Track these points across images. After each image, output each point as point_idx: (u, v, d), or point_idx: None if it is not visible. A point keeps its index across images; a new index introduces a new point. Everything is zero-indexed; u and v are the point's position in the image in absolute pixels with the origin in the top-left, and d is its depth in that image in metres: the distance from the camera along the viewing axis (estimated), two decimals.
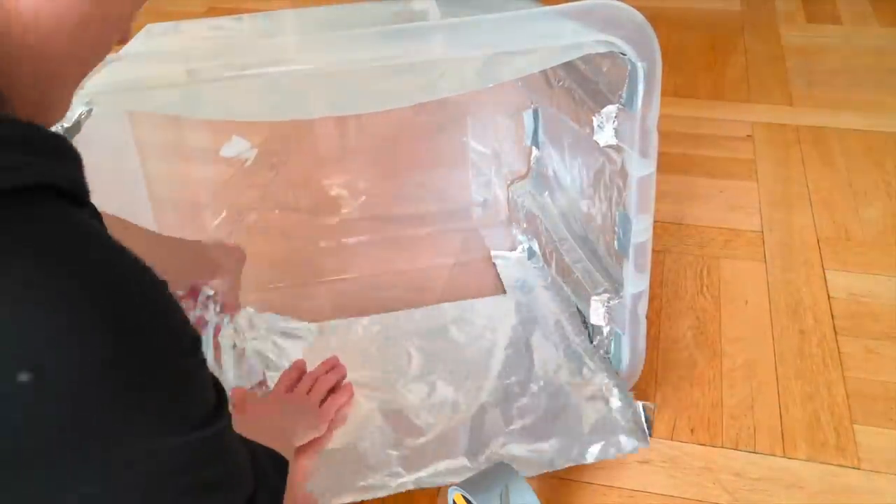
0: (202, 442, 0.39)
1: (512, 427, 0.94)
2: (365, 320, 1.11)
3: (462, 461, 0.89)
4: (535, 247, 1.19)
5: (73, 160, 0.37)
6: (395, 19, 0.90)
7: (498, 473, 0.80)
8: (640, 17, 0.71)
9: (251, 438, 0.50)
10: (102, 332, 0.33)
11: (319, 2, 2.00)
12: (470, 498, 0.77)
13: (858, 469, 0.90)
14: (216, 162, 1.16)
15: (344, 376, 1.00)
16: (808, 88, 1.69)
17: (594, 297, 0.95)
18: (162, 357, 0.36)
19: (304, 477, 0.88)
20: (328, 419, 0.92)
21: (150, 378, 0.35)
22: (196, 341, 0.39)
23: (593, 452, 0.89)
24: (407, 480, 0.88)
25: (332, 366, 1.00)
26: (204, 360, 0.40)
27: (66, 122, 0.69)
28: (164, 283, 0.37)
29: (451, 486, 0.81)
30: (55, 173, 0.35)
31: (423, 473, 0.88)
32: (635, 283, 0.88)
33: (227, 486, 0.43)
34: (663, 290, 1.16)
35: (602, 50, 0.74)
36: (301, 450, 0.88)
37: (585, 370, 1.00)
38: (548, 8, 0.71)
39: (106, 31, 0.42)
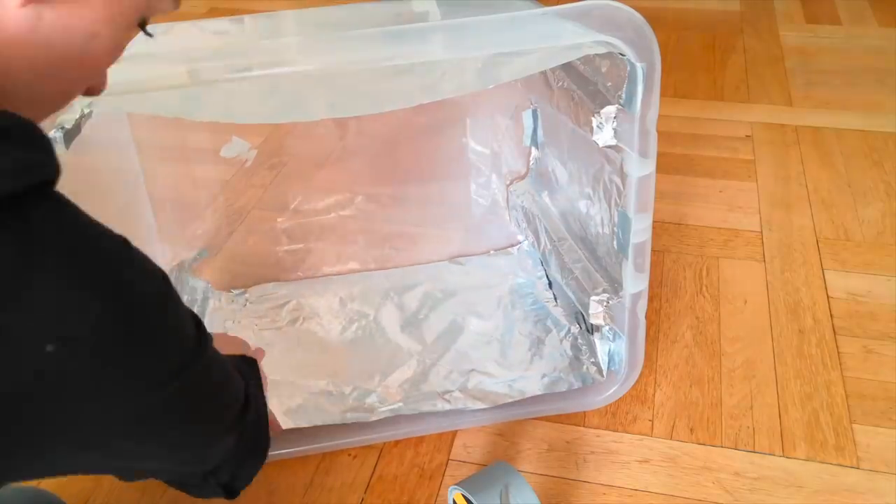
0: (196, 375, 0.47)
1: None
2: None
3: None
4: (535, 247, 1.19)
5: (50, 148, 0.40)
6: (395, 20, 0.90)
7: (498, 473, 0.80)
8: (639, 17, 0.71)
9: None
10: (105, 314, 0.39)
11: (320, 2, 2.00)
12: (470, 497, 0.78)
13: (857, 468, 0.90)
14: (216, 162, 1.16)
15: None
16: (808, 88, 1.70)
17: (593, 297, 0.95)
18: (145, 318, 0.42)
19: None
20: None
21: (141, 336, 0.42)
22: (167, 284, 0.45)
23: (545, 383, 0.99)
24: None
25: None
26: (178, 301, 0.46)
27: (67, 124, 0.70)
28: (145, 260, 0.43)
29: (451, 486, 0.81)
30: (48, 168, 0.38)
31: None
32: (634, 283, 0.88)
33: (228, 399, 0.53)
34: (663, 289, 1.16)
35: (601, 51, 0.74)
36: None
37: (551, 323, 1.08)
38: (547, 9, 0.71)
39: (80, 76, 0.44)
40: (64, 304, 0.37)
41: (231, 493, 0.59)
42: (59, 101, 0.44)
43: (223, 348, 0.88)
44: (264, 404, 0.61)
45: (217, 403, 0.53)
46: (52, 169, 0.39)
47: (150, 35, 0.45)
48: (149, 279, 0.43)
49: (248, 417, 0.56)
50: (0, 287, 0.35)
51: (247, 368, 0.61)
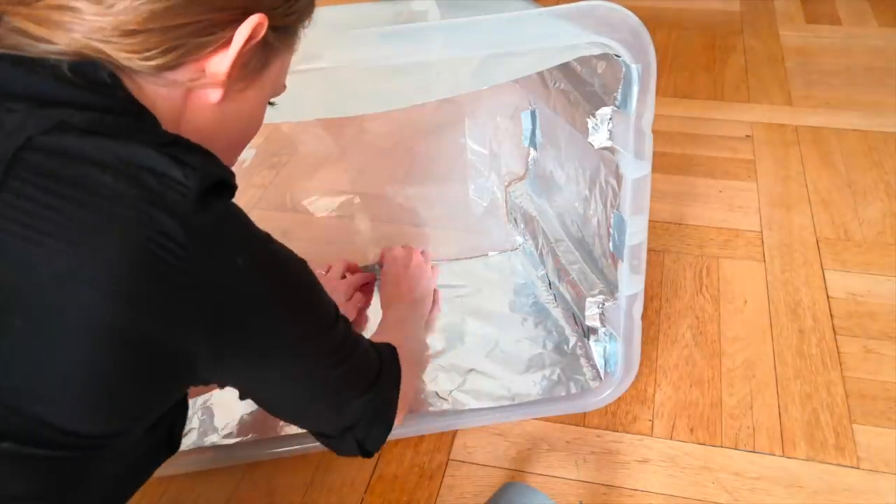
0: (341, 334, 0.61)
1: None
2: None
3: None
4: (532, 248, 1.19)
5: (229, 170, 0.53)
6: (395, 20, 0.90)
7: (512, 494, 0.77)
8: (634, 19, 0.71)
9: None
10: (273, 254, 0.54)
11: (319, 2, 2.00)
12: None
13: (858, 469, 0.90)
14: None
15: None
16: (808, 88, 1.70)
17: (589, 299, 0.95)
18: (303, 275, 0.57)
19: None
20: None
21: (302, 284, 0.57)
22: (314, 276, 0.59)
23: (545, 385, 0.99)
24: None
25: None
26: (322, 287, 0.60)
27: None
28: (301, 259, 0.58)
29: None
30: (225, 172, 0.50)
31: None
32: (630, 284, 0.88)
33: (362, 367, 0.65)
34: (663, 289, 1.16)
35: (597, 52, 0.74)
36: None
37: (550, 323, 1.08)
38: (544, 9, 0.71)
39: (242, 145, 0.60)
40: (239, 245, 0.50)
41: (364, 451, 0.69)
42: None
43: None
44: (395, 385, 0.70)
45: (352, 369, 0.64)
46: (230, 175, 0.51)
47: (273, 105, 0.60)
48: (295, 256, 0.56)
49: (378, 387, 0.67)
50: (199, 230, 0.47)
51: (387, 350, 0.71)
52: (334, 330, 0.60)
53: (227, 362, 0.52)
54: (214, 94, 0.51)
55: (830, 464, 0.91)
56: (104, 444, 0.47)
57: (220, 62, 0.49)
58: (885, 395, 0.99)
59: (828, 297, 1.14)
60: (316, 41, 0.73)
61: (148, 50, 0.47)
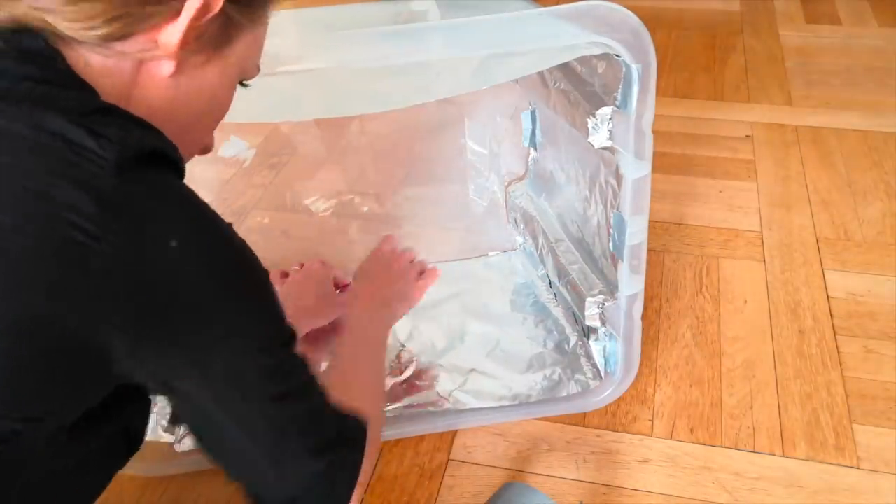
0: (289, 362, 0.51)
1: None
2: None
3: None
4: (532, 248, 1.19)
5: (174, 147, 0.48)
6: (394, 20, 0.90)
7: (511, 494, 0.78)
8: (635, 19, 0.71)
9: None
10: (222, 243, 0.47)
11: (319, 2, 2.00)
12: None
13: (858, 468, 0.90)
14: (216, 162, 1.16)
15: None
16: (808, 88, 1.70)
17: (589, 299, 0.95)
18: (256, 276, 0.49)
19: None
20: (421, 295, 0.97)
21: (252, 286, 0.49)
22: (270, 284, 0.51)
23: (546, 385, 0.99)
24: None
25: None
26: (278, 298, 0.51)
27: None
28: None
29: None
30: (167, 147, 0.46)
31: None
32: (630, 284, 0.88)
33: (301, 397, 0.53)
34: (663, 289, 1.16)
35: (597, 52, 0.74)
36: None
37: (550, 323, 1.09)
38: (544, 9, 0.71)
39: (205, 128, 0.56)
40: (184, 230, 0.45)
41: None
42: (192, 150, 0.55)
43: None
44: (357, 455, 0.57)
45: (303, 412, 0.52)
46: (171, 150, 0.46)
47: (246, 86, 0.56)
48: (251, 254, 0.50)
49: (335, 455, 0.54)
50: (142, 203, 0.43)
51: (353, 420, 0.58)
52: (283, 352, 0.51)
53: (147, 361, 0.45)
54: (167, 67, 0.48)
55: (830, 464, 0.91)
56: (9, 438, 0.42)
57: (172, 33, 0.46)
58: (885, 395, 0.99)
59: (828, 297, 1.14)
60: (316, 41, 0.73)
61: (92, 18, 0.44)
